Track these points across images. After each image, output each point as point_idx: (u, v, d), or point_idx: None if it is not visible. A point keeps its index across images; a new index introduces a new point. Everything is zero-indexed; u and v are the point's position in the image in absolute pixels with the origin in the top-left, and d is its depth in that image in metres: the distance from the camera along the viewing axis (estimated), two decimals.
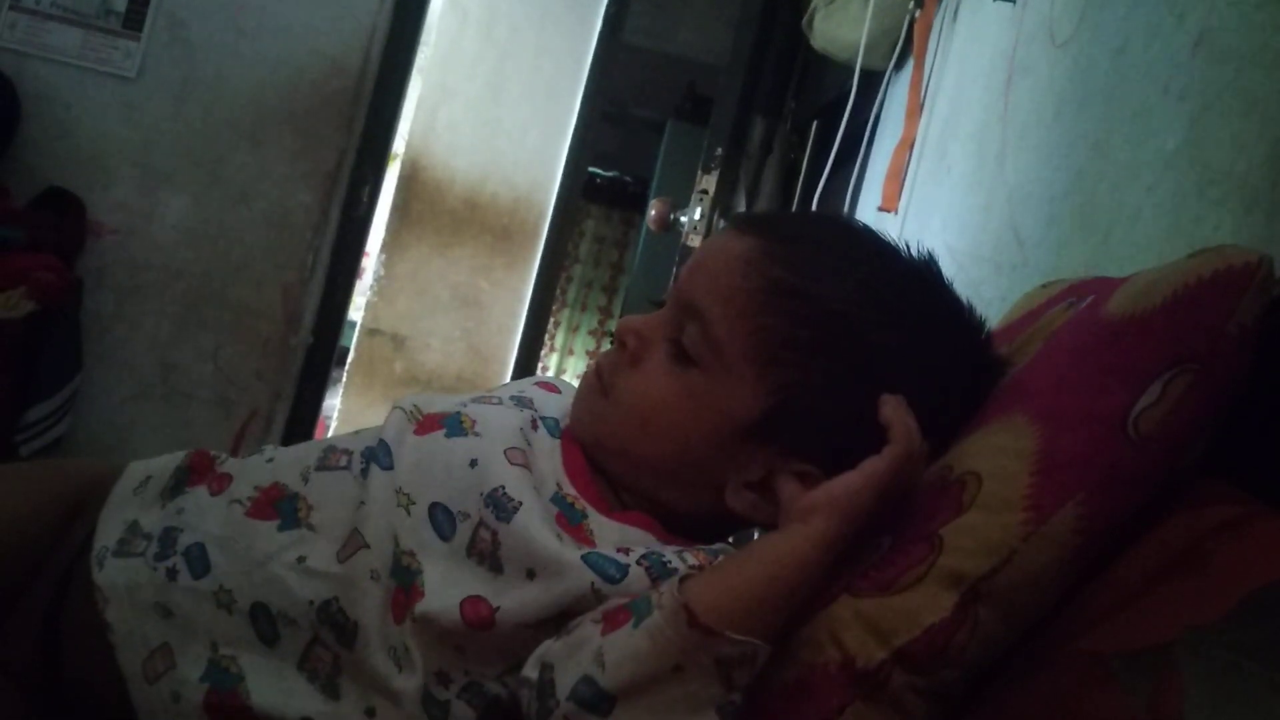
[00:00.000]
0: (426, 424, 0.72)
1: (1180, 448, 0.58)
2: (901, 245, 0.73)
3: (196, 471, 0.75)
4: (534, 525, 0.65)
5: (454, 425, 0.71)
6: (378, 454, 0.70)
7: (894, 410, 0.64)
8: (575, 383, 0.80)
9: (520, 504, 0.66)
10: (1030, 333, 0.74)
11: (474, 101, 3.15)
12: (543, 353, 4.26)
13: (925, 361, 0.69)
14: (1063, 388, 0.63)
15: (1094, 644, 0.52)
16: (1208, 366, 0.57)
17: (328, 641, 0.64)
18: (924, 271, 0.72)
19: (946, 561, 0.59)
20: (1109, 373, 0.61)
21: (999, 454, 0.62)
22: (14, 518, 0.73)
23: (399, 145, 2.97)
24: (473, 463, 0.68)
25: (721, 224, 2.06)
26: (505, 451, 0.69)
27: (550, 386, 0.81)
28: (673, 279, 2.18)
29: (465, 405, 0.73)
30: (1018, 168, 1.20)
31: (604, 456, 0.72)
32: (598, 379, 0.74)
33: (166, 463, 0.76)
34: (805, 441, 0.68)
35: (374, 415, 3.11)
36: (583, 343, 4.63)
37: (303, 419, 2.26)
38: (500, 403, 0.75)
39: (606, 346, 4.68)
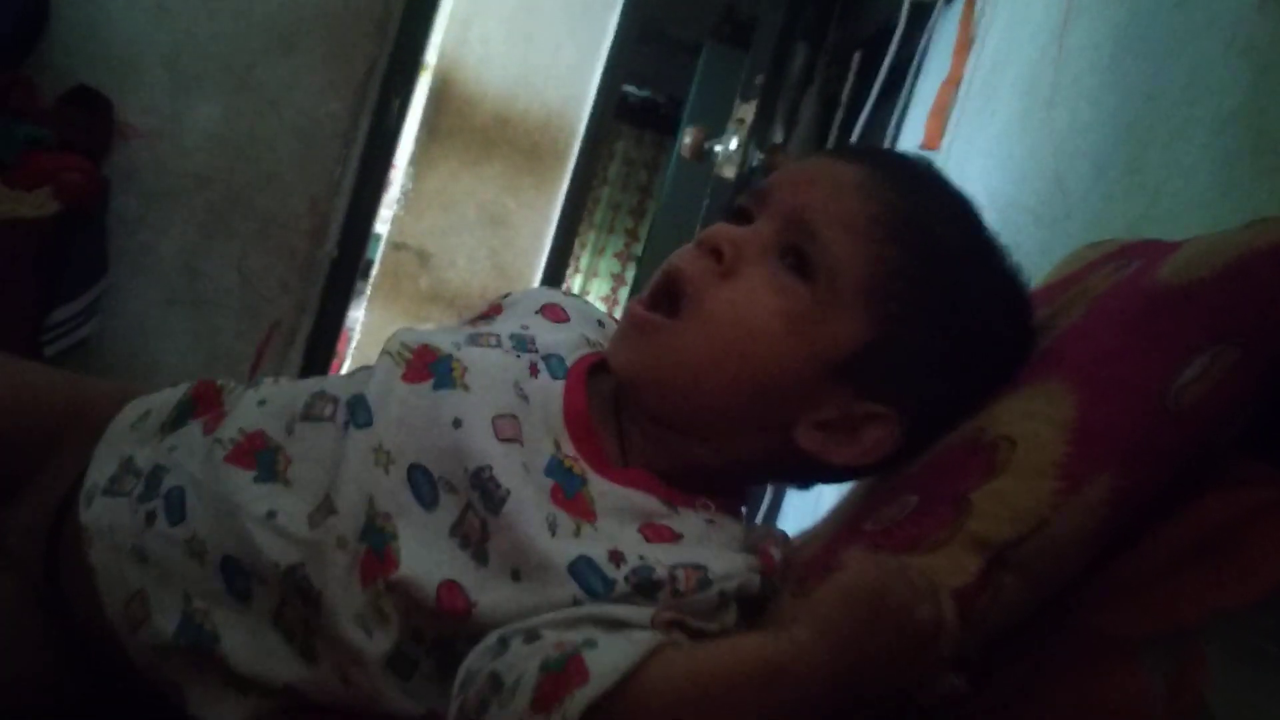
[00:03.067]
0: (415, 368, 0.67)
1: (1220, 424, 0.57)
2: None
3: (201, 402, 0.73)
4: (524, 519, 0.62)
5: (444, 374, 0.66)
6: (356, 412, 0.65)
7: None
8: (595, 302, 0.78)
9: (509, 492, 0.62)
10: (1073, 294, 0.73)
11: (508, 14, 3.09)
12: (567, 274, 4.25)
13: (1007, 304, 0.69)
14: (1104, 355, 0.62)
15: (1118, 622, 0.52)
16: (1256, 343, 0.56)
17: (295, 605, 0.62)
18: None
19: (974, 525, 0.58)
20: (1153, 343, 0.59)
21: (1034, 419, 0.61)
22: None
23: (430, 57, 2.93)
24: (456, 422, 0.64)
25: (757, 155, 2.02)
26: (494, 420, 0.65)
27: (557, 313, 0.76)
28: (702, 211, 2.14)
29: (459, 347, 0.68)
30: (1067, 115, 1.17)
31: (659, 396, 0.68)
32: (662, 300, 0.68)
33: (168, 396, 0.74)
34: (885, 383, 0.66)
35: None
36: (607, 265, 4.60)
37: (326, 331, 2.26)
38: (499, 344, 0.70)
39: (632, 271, 4.64)
